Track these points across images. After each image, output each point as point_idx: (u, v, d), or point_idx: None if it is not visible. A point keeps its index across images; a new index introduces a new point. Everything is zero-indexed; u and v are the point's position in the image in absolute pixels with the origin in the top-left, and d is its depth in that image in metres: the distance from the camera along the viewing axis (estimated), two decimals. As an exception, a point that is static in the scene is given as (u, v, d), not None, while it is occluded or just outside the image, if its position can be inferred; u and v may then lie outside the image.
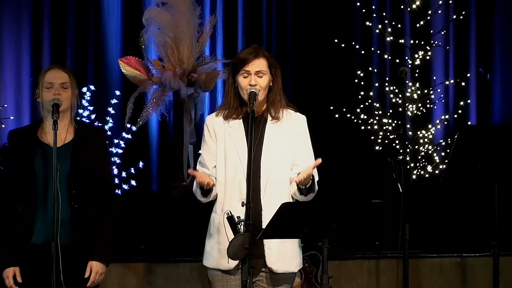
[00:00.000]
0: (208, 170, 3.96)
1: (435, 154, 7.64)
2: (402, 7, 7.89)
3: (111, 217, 4.28)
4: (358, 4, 7.95)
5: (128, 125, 7.35)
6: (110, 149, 7.33)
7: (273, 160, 3.87)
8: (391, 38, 7.79)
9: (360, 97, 7.76)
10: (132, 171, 7.41)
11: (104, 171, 4.33)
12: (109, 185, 4.38)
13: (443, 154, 7.67)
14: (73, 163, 4.20)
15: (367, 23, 7.87)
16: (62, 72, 4.30)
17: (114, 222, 4.29)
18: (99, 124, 7.24)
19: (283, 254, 3.92)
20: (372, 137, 7.67)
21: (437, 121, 7.77)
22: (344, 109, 7.70)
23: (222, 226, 3.85)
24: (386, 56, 7.97)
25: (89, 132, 4.37)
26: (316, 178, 3.96)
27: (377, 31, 7.85)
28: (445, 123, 7.95)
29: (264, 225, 3.75)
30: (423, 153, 7.59)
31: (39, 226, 4.17)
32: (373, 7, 8.00)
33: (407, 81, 7.23)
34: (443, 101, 7.96)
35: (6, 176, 4.27)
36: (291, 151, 3.95)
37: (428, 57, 7.71)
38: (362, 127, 7.70)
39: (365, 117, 7.70)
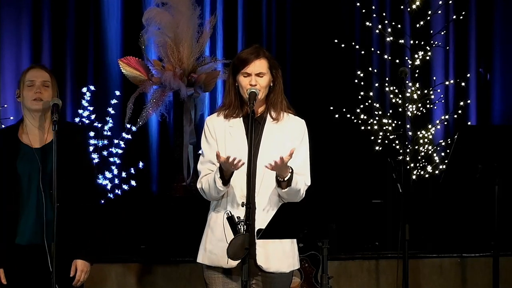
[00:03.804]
0: (214, 166, 3.93)
1: (435, 154, 7.65)
2: (402, 7, 7.89)
3: (95, 215, 4.27)
4: (358, 4, 7.95)
5: (128, 126, 7.35)
6: (110, 149, 7.33)
7: (269, 160, 3.86)
8: (391, 38, 7.79)
9: (360, 97, 7.76)
10: (132, 171, 7.40)
11: (86, 169, 4.31)
12: (91, 182, 4.36)
13: (443, 154, 7.67)
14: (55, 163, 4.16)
15: (367, 23, 7.88)
16: (43, 71, 4.29)
17: (98, 219, 4.28)
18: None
19: (274, 253, 3.92)
20: (372, 137, 7.68)
21: (437, 121, 7.78)
22: (344, 109, 7.70)
23: (222, 224, 3.84)
24: (386, 57, 7.97)
25: (69, 131, 4.33)
26: (307, 183, 3.97)
27: (377, 31, 7.86)
28: (445, 123, 7.95)
29: (258, 224, 3.74)
30: (423, 153, 7.59)
31: (23, 227, 4.16)
32: (373, 7, 8.01)
33: (407, 81, 7.23)
34: (443, 101, 7.96)
35: None
36: (287, 151, 3.93)
37: (428, 57, 7.72)
38: (362, 127, 7.70)
39: (365, 117, 7.70)
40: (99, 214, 4.31)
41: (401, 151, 7.41)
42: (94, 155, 7.13)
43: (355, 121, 7.70)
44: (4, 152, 4.21)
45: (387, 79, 7.92)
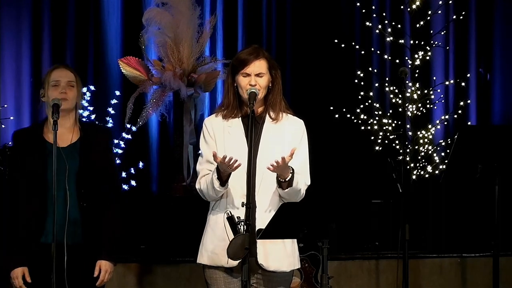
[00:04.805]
0: (213, 166, 3.90)
1: (435, 154, 7.65)
2: (402, 7, 7.90)
3: (117, 216, 4.28)
4: (358, 4, 7.96)
5: (128, 126, 7.36)
6: (110, 149, 7.34)
7: (268, 160, 3.84)
8: (391, 38, 7.79)
9: (360, 97, 7.77)
10: (132, 171, 7.41)
11: (110, 170, 4.33)
12: (116, 184, 4.39)
13: (443, 154, 7.68)
14: (82, 162, 4.19)
15: (367, 23, 7.88)
16: (68, 71, 4.30)
17: (120, 220, 4.30)
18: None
19: (274, 252, 3.91)
20: (372, 137, 7.68)
21: (437, 121, 7.78)
22: (344, 109, 7.70)
23: (223, 224, 3.84)
24: (386, 56, 7.97)
25: (94, 131, 4.37)
26: (307, 183, 3.97)
27: (377, 31, 7.86)
28: (445, 123, 7.95)
29: (258, 224, 3.74)
30: (423, 153, 7.59)
31: (49, 226, 4.15)
32: (373, 7, 8.01)
33: (407, 81, 7.23)
34: (443, 101, 7.97)
35: (13, 176, 4.25)
36: (287, 152, 3.92)
37: (428, 57, 7.72)
38: (362, 127, 7.70)
39: (365, 117, 7.71)
40: (122, 215, 4.32)
41: (401, 151, 7.41)
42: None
43: (355, 121, 7.70)
44: (30, 151, 4.22)
45: (387, 79, 7.93)
